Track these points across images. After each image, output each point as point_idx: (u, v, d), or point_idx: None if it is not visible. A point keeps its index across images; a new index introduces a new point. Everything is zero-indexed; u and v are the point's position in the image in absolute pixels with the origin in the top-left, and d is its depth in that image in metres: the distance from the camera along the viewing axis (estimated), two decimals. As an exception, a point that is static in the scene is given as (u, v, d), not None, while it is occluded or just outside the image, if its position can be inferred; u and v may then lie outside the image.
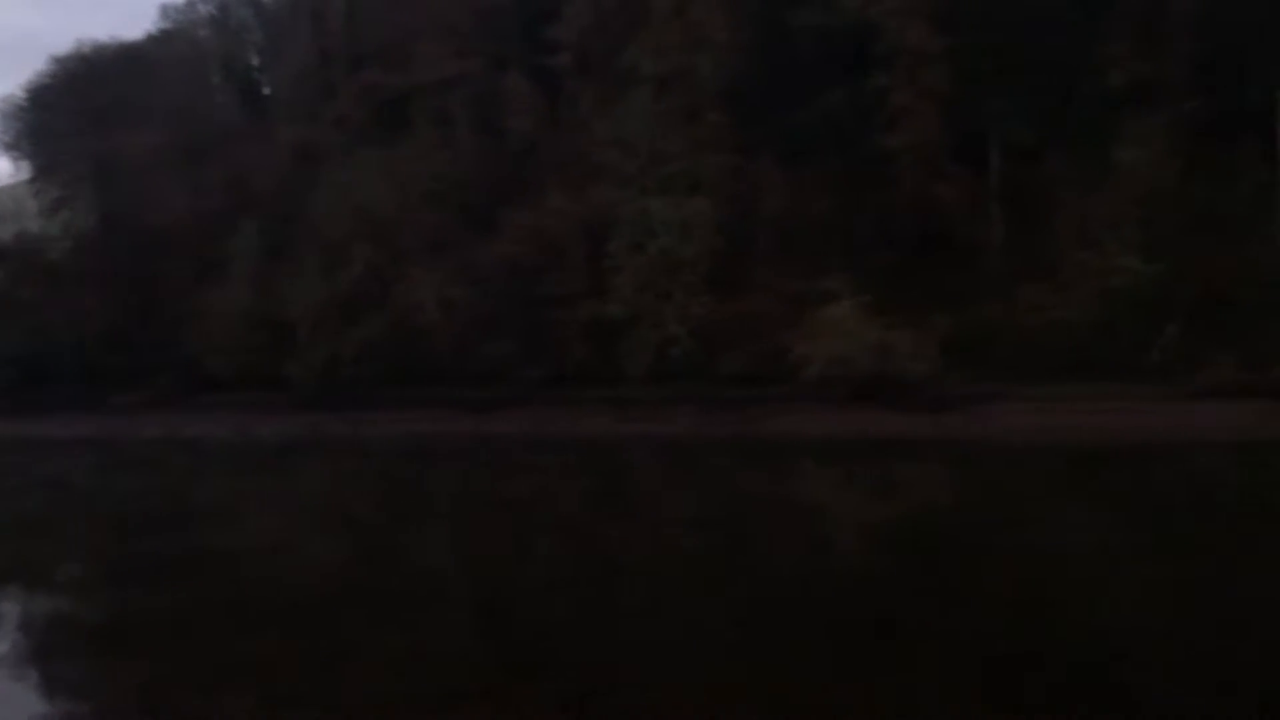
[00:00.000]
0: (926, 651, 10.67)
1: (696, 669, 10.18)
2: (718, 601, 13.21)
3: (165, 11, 70.81)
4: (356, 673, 10.28)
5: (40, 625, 13.26)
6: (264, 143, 57.55)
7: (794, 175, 42.50)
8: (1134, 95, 38.24)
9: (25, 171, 72.12)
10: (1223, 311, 34.82)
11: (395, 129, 51.39)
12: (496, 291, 44.92)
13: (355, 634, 11.69)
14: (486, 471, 31.09)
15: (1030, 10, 40.19)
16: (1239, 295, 35.05)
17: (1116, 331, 35.38)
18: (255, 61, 71.90)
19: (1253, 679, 9.69)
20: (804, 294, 38.79)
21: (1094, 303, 35.97)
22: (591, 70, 47.71)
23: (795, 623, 12.14)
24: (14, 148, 69.16)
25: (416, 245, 47.83)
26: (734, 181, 43.08)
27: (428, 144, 50.08)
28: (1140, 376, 34.29)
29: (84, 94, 63.27)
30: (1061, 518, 19.11)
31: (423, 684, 9.82)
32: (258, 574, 15.62)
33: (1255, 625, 11.59)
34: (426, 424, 41.40)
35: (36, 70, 75.39)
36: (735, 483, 26.97)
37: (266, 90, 69.72)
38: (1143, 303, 35.60)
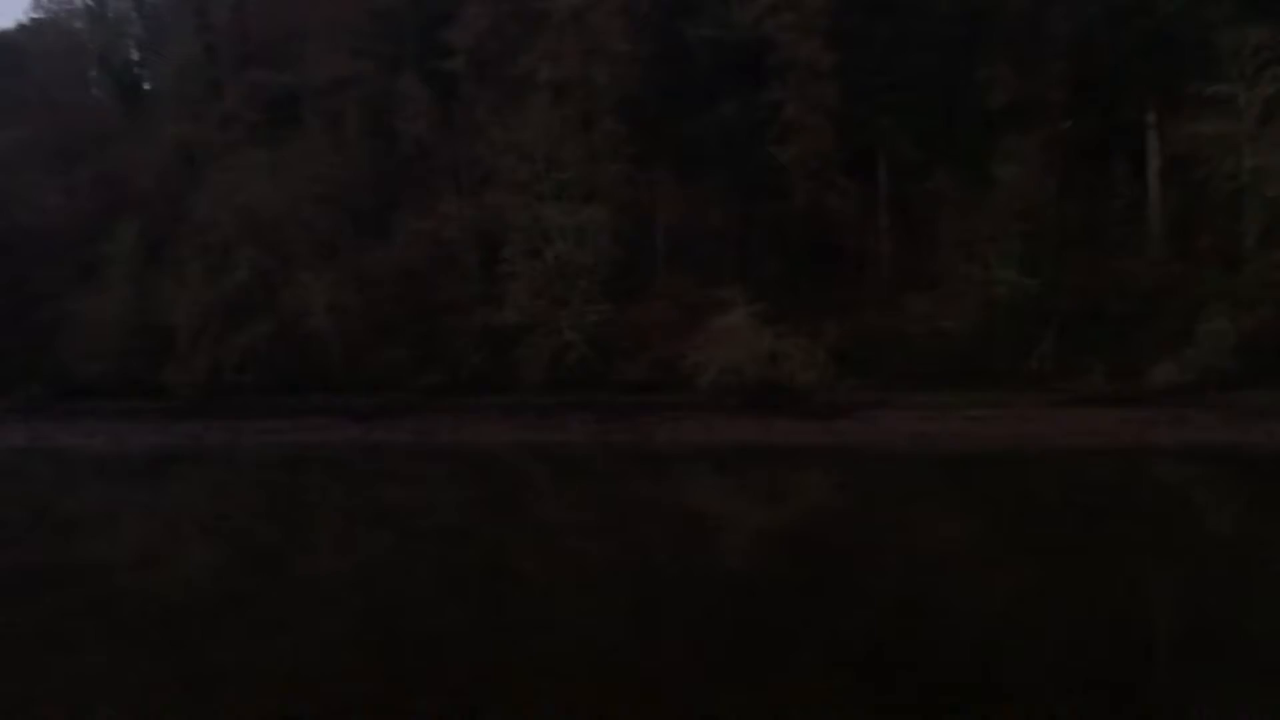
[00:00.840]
0: (808, 653, 10.83)
1: (585, 677, 10.11)
2: (606, 609, 13.17)
3: (38, 1, 67.87)
4: (230, 691, 9.91)
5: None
6: (144, 141, 55.32)
7: (690, 185, 42.93)
8: (1013, 115, 39.70)
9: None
10: (1095, 322, 36.42)
11: (284, 129, 50.06)
12: (388, 297, 44.14)
13: (224, 651, 11.27)
14: (372, 481, 30.45)
15: (916, 30, 41.43)
16: (1110, 307, 36.70)
17: (997, 341, 36.72)
18: (135, 56, 69.20)
19: (1117, 674, 10.09)
20: (699, 303, 39.18)
21: (976, 313, 37.25)
22: (487, 75, 47.34)
23: (683, 628, 12.19)
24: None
25: (305, 249, 46.66)
26: (631, 190, 43.27)
27: (318, 145, 48.91)
28: (1019, 384, 35.68)
29: (-52, 85, 60.06)
30: (942, 522, 19.68)
31: (304, 701, 9.52)
32: (123, 588, 14.97)
33: (1119, 623, 12.09)
34: (313, 433, 40.35)
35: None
36: (627, 490, 27.00)
37: (147, 86, 67.18)
38: (1021, 313, 37.00)
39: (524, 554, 17.61)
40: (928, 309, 37.86)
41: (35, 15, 67.34)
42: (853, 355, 37.70)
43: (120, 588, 15.00)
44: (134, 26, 68.56)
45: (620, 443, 35.82)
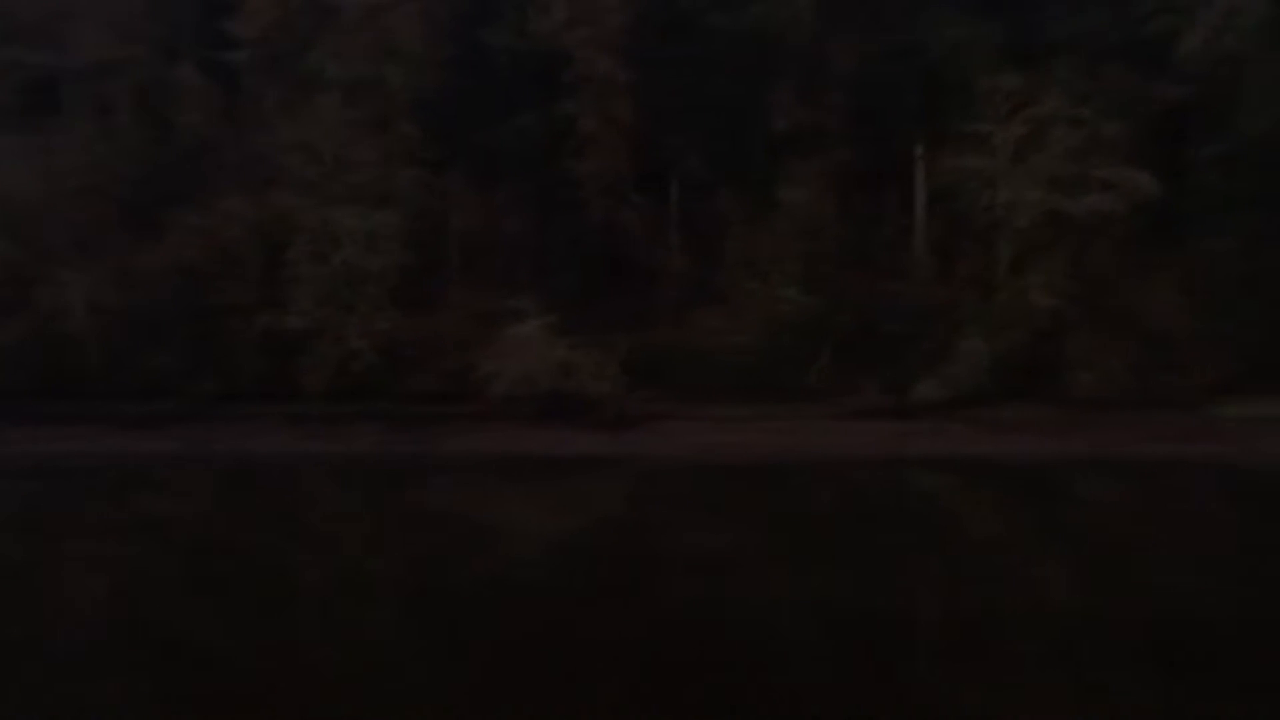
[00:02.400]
0: (595, 660, 10.95)
1: (367, 690, 9.84)
2: (389, 622, 12.87)
3: None
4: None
5: None
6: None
7: (486, 193, 42.55)
8: (797, 141, 41.69)
9: None
10: (868, 340, 38.76)
11: (44, 115, 46.12)
12: (161, 298, 41.41)
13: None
14: (129, 492, 28.46)
15: (707, 54, 42.81)
16: (881, 326, 39.13)
17: (779, 356, 38.41)
18: None
19: (898, 678, 10.74)
20: (492, 313, 38.88)
21: (760, 329, 38.83)
22: (274, 70, 45.31)
23: (470, 638, 12.06)
24: None
25: (65, 243, 43.10)
26: (425, 196, 42.42)
27: (82, 134, 45.35)
28: (800, 397, 37.51)
29: None
30: (722, 528, 20.37)
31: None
32: None
33: (896, 626, 12.88)
34: (69, 442, 37.23)
35: None
36: (413, 501, 26.49)
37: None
38: (802, 330, 38.86)
39: (293, 567, 16.95)
40: (715, 324, 39.16)
41: None
42: (644, 367, 38.42)
43: None
44: None
45: (408, 453, 35.08)
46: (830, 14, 42.33)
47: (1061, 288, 37.76)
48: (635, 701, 9.62)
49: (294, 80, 44.07)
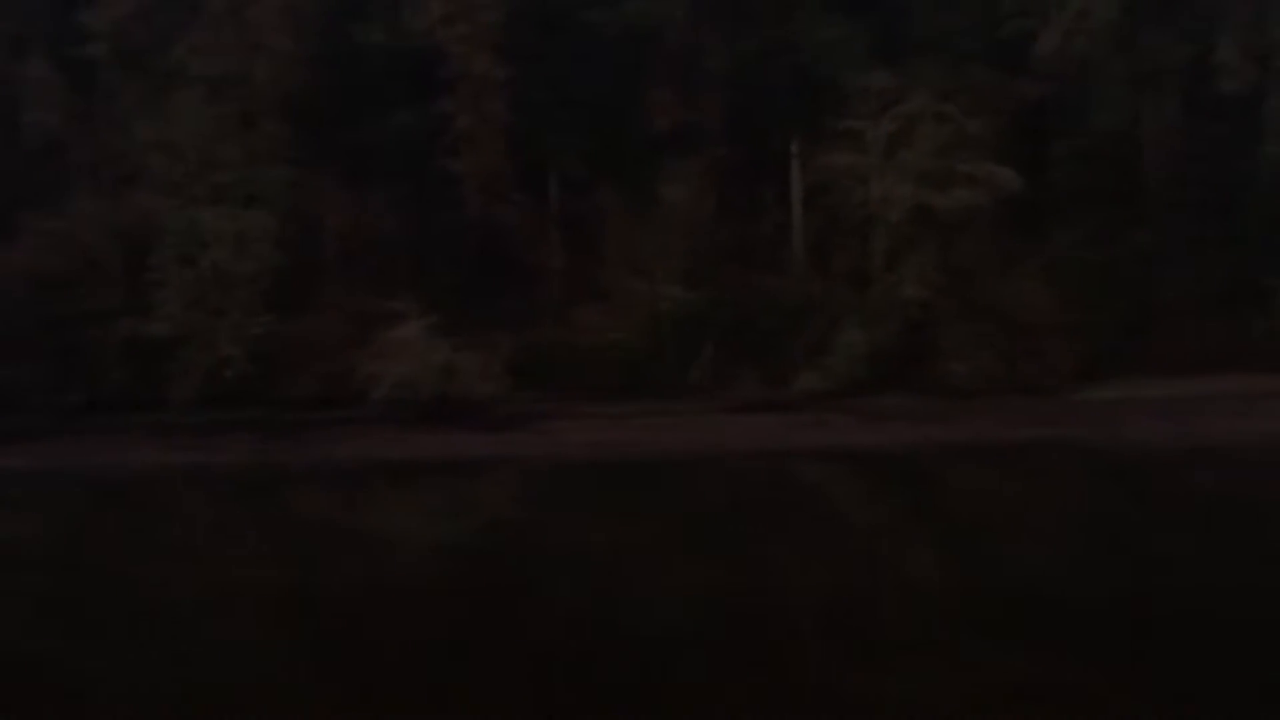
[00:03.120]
0: (489, 662, 10.84)
1: (255, 706, 9.53)
2: (275, 635, 12.49)
3: None
4: None
5: None
6: None
7: (361, 193, 41.60)
8: (675, 138, 42.05)
9: None
10: (749, 334, 39.39)
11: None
12: (14, 306, 39.19)
13: None
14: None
15: (586, 51, 42.78)
16: (761, 320, 39.81)
17: (662, 352, 38.72)
18: None
19: (781, 662, 10.92)
20: (370, 314, 38.03)
21: (643, 325, 39.05)
22: (133, 65, 43.34)
23: (349, 645, 11.80)
24: None
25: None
26: (296, 195, 41.20)
27: (-81, 131, 42.61)
28: (683, 393, 37.84)
29: None
30: (615, 527, 20.42)
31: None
32: None
33: (783, 612, 13.12)
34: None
35: None
36: (297, 511, 25.77)
37: None
38: (684, 326, 39.24)
39: (162, 584, 16.27)
40: (598, 321, 39.21)
41: None
42: (528, 367, 38.18)
43: None
44: None
45: (288, 461, 34.07)
46: (704, 13, 42.83)
47: (931, 280, 39.03)
48: (522, 701, 9.56)
49: (154, 76, 42.28)
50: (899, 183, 39.72)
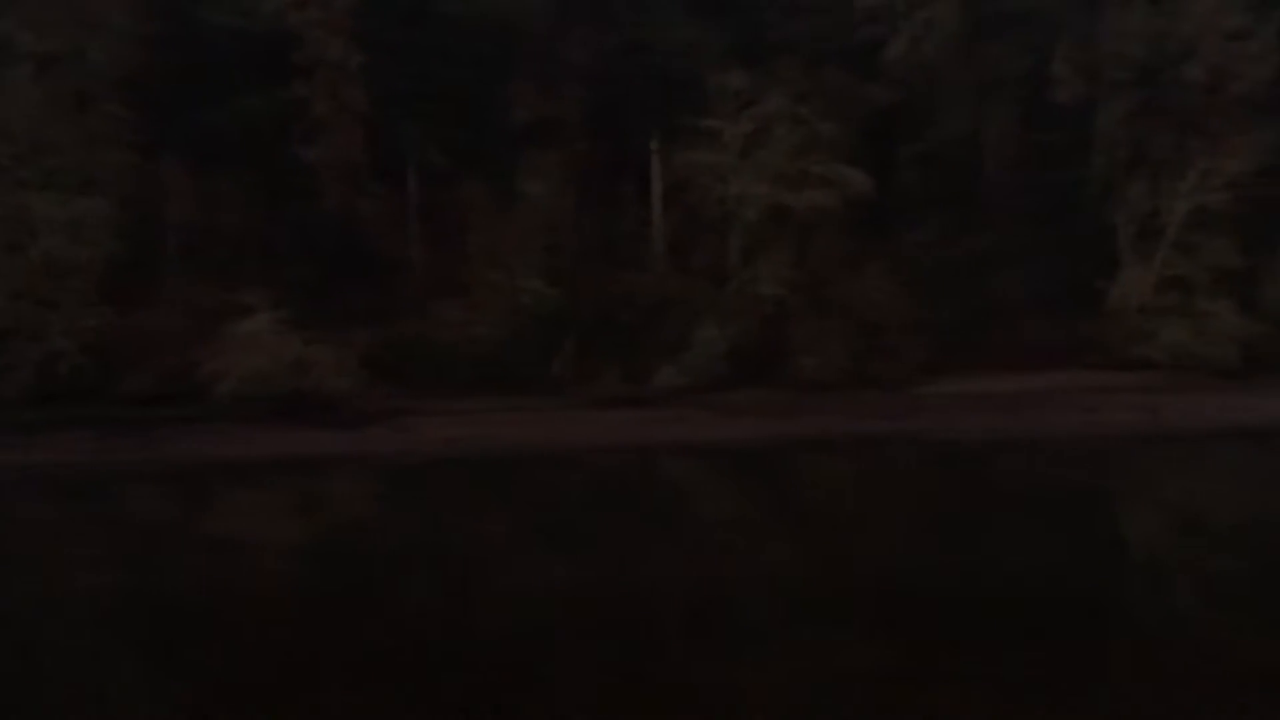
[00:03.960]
0: (345, 667, 10.63)
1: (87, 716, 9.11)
2: (110, 643, 11.95)
3: None
4: None
5: None
6: None
7: (207, 180, 39.88)
8: (536, 132, 41.88)
9: None
10: (609, 330, 39.61)
11: None
12: None
13: None
14: None
15: (446, 41, 42.15)
16: (621, 316, 40.09)
17: (523, 348, 38.53)
18: None
19: (638, 656, 11.05)
20: (217, 307, 36.56)
21: (504, 321, 38.77)
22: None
23: (201, 654, 11.40)
24: None
25: None
26: (136, 182, 39.23)
27: None
28: (544, 389, 37.80)
29: None
30: (472, 524, 20.27)
31: None
32: None
33: (640, 612, 13.26)
34: None
35: None
36: (136, 513, 24.61)
37: None
38: (544, 321, 39.16)
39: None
40: (458, 316, 38.72)
41: None
42: (385, 362, 37.43)
43: None
44: None
45: (129, 460, 32.43)
46: (565, 7, 42.80)
47: (786, 278, 40.10)
48: (369, 707, 9.42)
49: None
50: (756, 182, 40.64)
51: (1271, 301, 42.48)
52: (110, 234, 37.63)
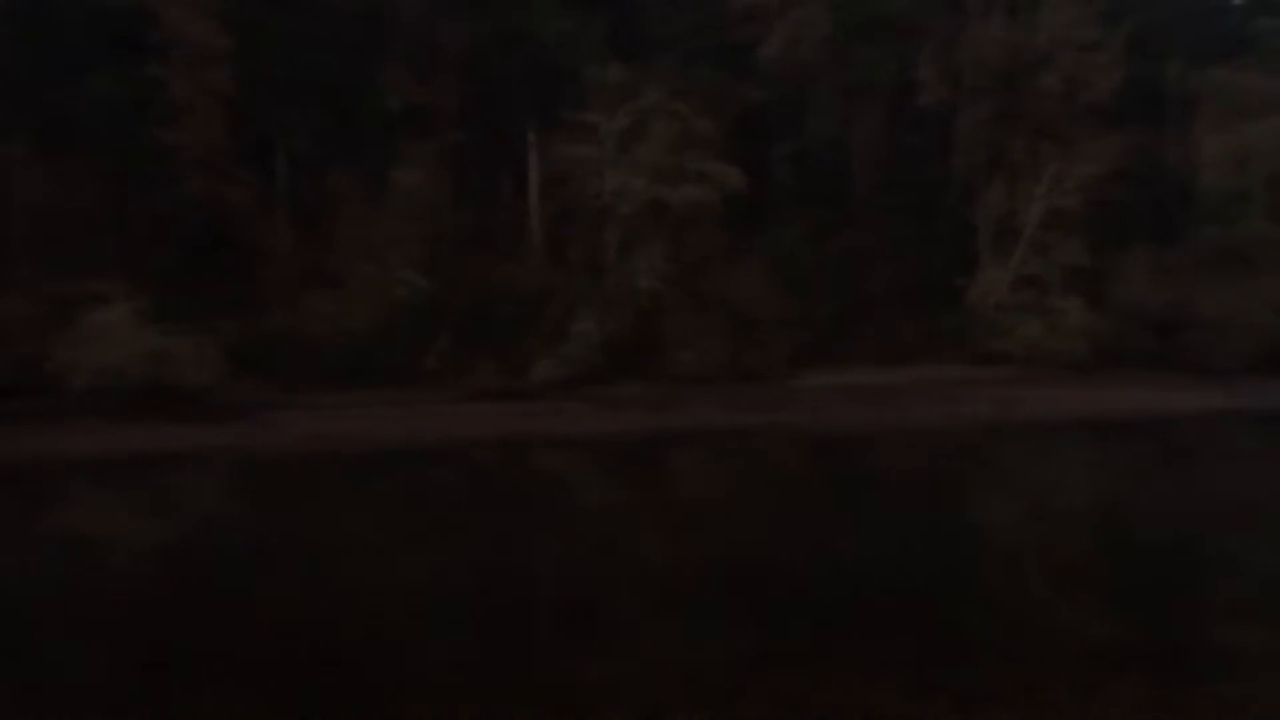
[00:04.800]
0: (211, 674, 10.29)
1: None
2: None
3: None
4: None
5: None
6: None
7: (56, 163, 37.85)
8: (411, 121, 41.17)
9: None
10: (486, 323, 39.21)
11: None
12: None
13: None
14: None
15: (316, 26, 41.03)
16: (499, 309, 39.75)
17: (396, 340, 37.80)
18: None
19: (515, 649, 10.99)
20: (69, 296, 34.73)
21: (377, 312, 37.98)
22: None
23: (48, 656, 10.87)
24: None
25: None
26: (-19, 163, 37.03)
27: None
28: (418, 382, 37.15)
29: None
30: (336, 521, 19.81)
31: None
32: None
33: (513, 604, 13.18)
34: None
35: None
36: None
37: None
38: (419, 314, 38.51)
39: None
40: (329, 308, 37.75)
41: None
42: (251, 354, 36.24)
43: None
44: None
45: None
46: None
47: (663, 272, 40.44)
48: (229, 707, 9.15)
49: None
50: (633, 176, 40.82)
51: (1118, 299, 44.89)
52: (-50, 218, 35.47)
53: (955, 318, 44.57)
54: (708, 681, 9.45)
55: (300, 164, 41.79)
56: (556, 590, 14.38)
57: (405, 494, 23.90)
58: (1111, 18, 46.53)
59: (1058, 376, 41.58)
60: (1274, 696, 8.90)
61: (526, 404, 36.33)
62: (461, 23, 42.42)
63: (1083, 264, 44.07)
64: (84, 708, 9.37)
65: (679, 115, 41.34)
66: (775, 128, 45.89)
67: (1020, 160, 45.81)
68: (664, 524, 19.17)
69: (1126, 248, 45.63)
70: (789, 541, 16.75)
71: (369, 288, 38.29)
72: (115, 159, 38.31)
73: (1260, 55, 49.82)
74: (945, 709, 8.64)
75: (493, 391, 36.88)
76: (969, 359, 43.13)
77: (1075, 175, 43.92)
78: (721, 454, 30.96)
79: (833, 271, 44.01)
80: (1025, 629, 11.48)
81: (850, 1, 47.31)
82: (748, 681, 9.44)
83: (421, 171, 40.18)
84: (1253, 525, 17.54)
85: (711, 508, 21.10)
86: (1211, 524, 17.91)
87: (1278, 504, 20.27)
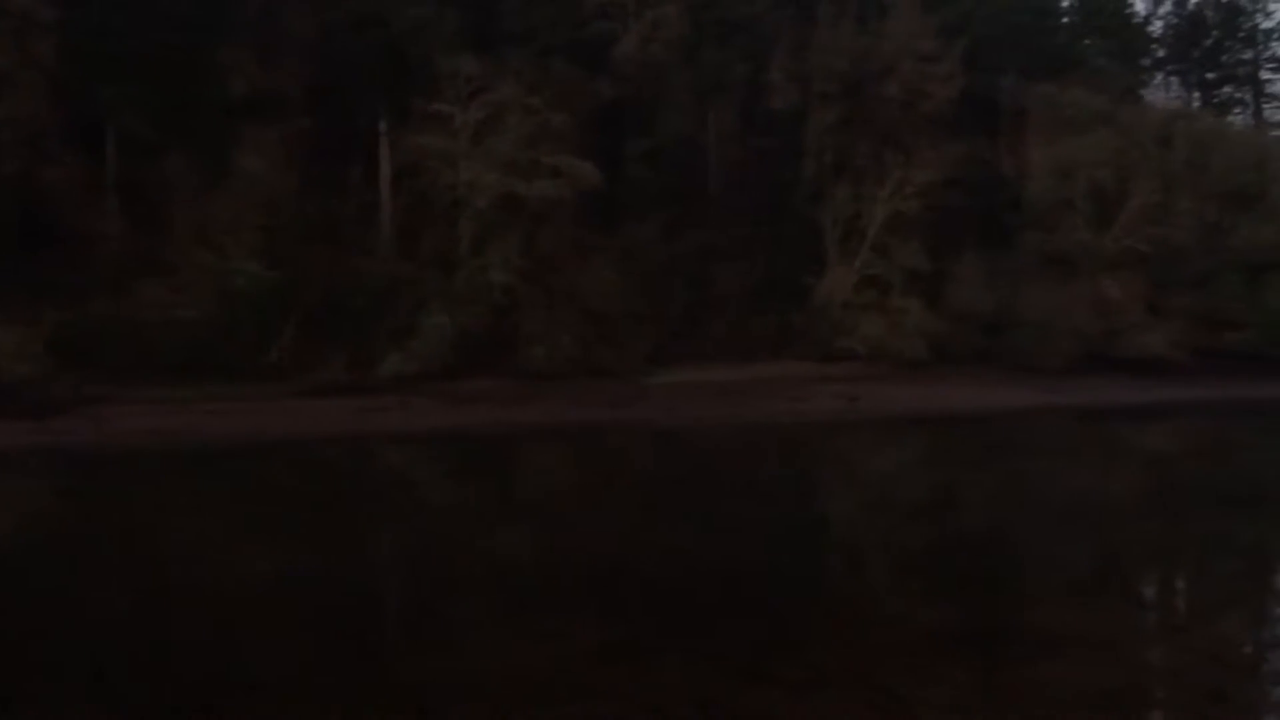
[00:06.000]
0: (30, 680, 9.65)
1: None
2: None
3: None
4: None
5: None
6: None
7: None
8: (255, 105, 39.58)
9: None
10: (334, 316, 38.07)
11: None
12: None
13: None
14: None
15: (153, 2, 39.01)
16: (347, 302, 38.65)
17: (237, 333, 36.29)
18: None
19: (364, 648, 10.67)
20: None
21: (214, 303, 36.33)
22: None
23: None
24: None
25: None
26: None
27: None
28: (259, 376, 35.76)
29: None
30: (169, 521, 18.91)
31: None
32: None
33: (362, 597, 12.81)
34: None
35: None
36: None
37: None
38: (261, 305, 37.05)
39: None
40: (162, 298, 35.91)
41: None
42: (76, 346, 34.09)
43: None
44: None
45: None
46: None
47: (516, 267, 40.15)
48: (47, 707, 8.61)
49: None
50: (487, 170, 40.38)
51: (954, 301, 47.02)
52: None
53: (804, 316, 45.84)
54: (542, 679, 9.38)
55: (133, 146, 39.60)
56: (399, 588, 14.07)
57: (243, 492, 22.99)
58: (950, 32, 48.67)
59: (898, 374, 43.32)
60: (1086, 673, 9.44)
61: (373, 399, 35.46)
62: (309, 5, 41.05)
63: (922, 266, 45.98)
64: None
65: (534, 109, 41.10)
66: (629, 125, 46.18)
67: (865, 165, 47.47)
68: (508, 520, 19.02)
69: (961, 251, 47.82)
70: (634, 536, 16.85)
71: (205, 277, 36.58)
72: (-78, 134, 35.54)
73: (1085, 73, 52.95)
74: (779, 696, 8.81)
75: (339, 386, 35.86)
76: (817, 356, 44.44)
77: (915, 181, 45.79)
78: (570, 450, 30.95)
79: (685, 269, 44.59)
80: (859, 616, 11.85)
81: (705, 3, 48.05)
82: (584, 676, 9.43)
83: (265, 157, 38.61)
84: (1070, 512, 18.62)
85: (557, 504, 21.04)
86: (1032, 512, 18.95)
87: (1091, 492, 21.63)
